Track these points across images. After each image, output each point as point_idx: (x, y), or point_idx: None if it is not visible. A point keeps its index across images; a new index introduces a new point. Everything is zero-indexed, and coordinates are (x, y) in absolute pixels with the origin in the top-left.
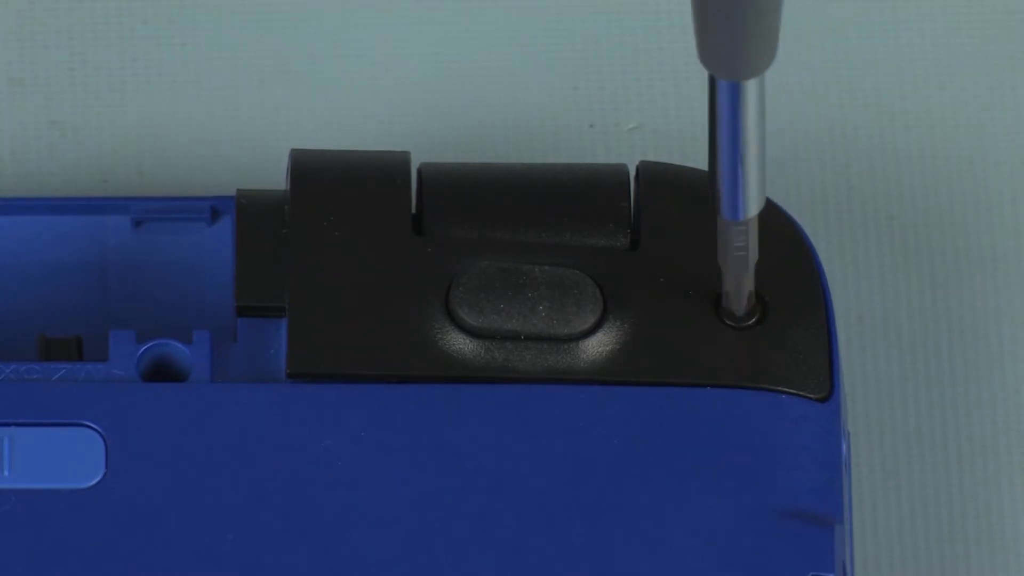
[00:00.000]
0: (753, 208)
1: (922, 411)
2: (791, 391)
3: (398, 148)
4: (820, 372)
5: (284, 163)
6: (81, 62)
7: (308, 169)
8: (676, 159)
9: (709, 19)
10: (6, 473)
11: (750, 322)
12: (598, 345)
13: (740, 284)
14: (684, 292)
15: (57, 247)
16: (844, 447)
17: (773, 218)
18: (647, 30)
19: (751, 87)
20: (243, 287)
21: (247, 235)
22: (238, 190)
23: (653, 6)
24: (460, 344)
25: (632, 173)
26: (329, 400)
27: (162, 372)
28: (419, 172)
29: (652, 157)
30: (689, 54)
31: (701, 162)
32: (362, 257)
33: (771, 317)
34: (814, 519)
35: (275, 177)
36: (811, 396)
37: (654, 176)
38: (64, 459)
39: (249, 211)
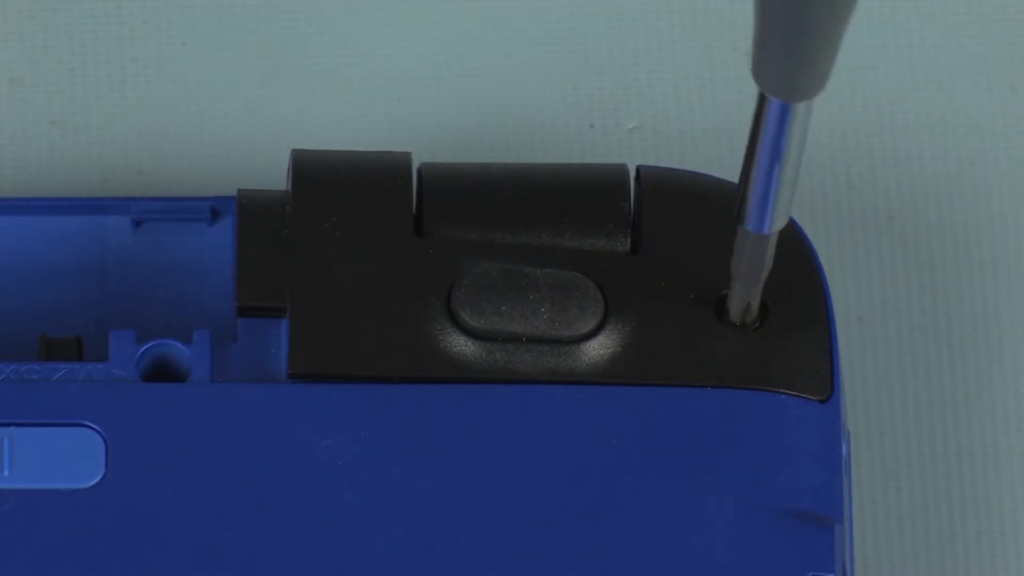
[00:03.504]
0: (778, 224)
1: (922, 411)
2: (791, 392)
3: (398, 148)
4: (820, 373)
5: (284, 163)
6: (81, 62)
7: (309, 169)
8: (676, 159)
9: (771, 40)
10: (6, 473)
11: (751, 325)
12: (599, 348)
13: (750, 294)
14: (685, 295)
15: (57, 247)
16: (844, 447)
17: None
18: (647, 30)
19: (800, 109)
20: (244, 287)
21: (248, 235)
22: (239, 190)
23: (653, 6)
24: (461, 346)
25: (632, 174)
26: (329, 400)
27: (162, 372)
28: (419, 172)
29: (652, 157)
30: (689, 54)
31: (700, 163)
32: (363, 258)
33: (771, 318)
34: (814, 519)
35: (275, 177)
36: (811, 397)
37: (654, 180)
38: (64, 459)
39: (250, 211)
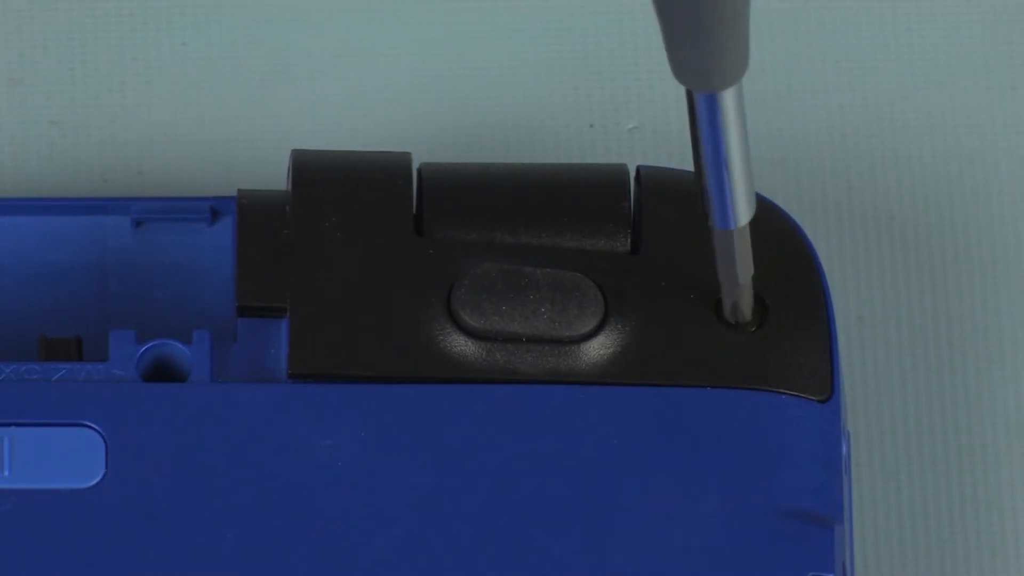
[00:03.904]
0: (743, 216)
1: (922, 411)
2: (791, 392)
3: (398, 148)
4: (820, 373)
5: (284, 163)
6: (81, 62)
7: (309, 169)
8: (676, 159)
9: (677, 35)
10: (6, 473)
11: (751, 325)
12: (599, 348)
13: (736, 294)
14: (685, 295)
15: (57, 247)
16: (844, 447)
17: (773, 220)
18: (647, 30)
19: (728, 97)
20: (244, 287)
21: (248, 235)
22: (239, 190)
23: None
24: (461, 346)
25: (632, 174)
26: (329, 400)
27: (162, 372)
28: (419, 172)
29: (652, 157)
30: None
31: None
32: (363, 258)
33: (771, 319)
34: (814, 519)
35: (275, 177)
36: (811, 397)
37: (654, 180)
38: (64, 459)
39: (250, 211)
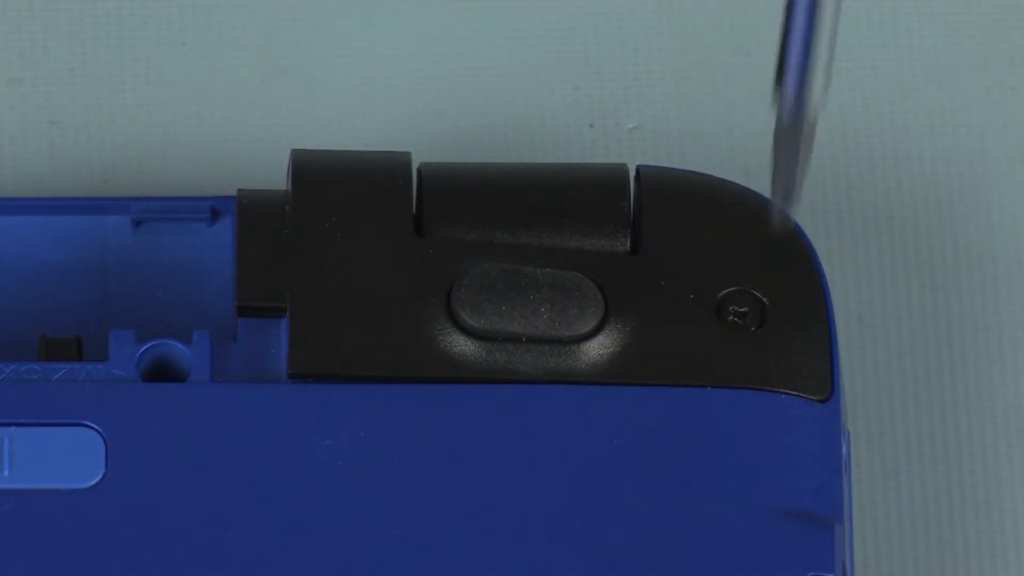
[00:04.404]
0: (817, 108)
1: (922, 411)
2: (791, 392)
3: (398, 148)
4: (820, 373)
5: (284, 163)
6: (81, 62)
7: (309, 169)
8: (676, 159)
9: None
10: (6, 473)
11: (751, 325)
12: (599, 348)
13: (793, 198)
14: (685, 295)
15: (57, 247)
16: (844, 447)
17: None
18: (647, 30)
19: None
20: (243, 287)
21: (248, 235)
22: (239, 190)
23: (653, 6)
24: (461, 346)
25: (632, 174)
26: (329, 400)
27: (162, 372)
28: (419, 172)
29: (652, 157)
30: (689, 54)
31: (700, 163)
32: (363, 257)
33: (771, 319)
34: (814, 519)
35: (275, 177)
36: (811, 397)
37: (654, 180)
38: (64, 459)
39: (250, 211)
